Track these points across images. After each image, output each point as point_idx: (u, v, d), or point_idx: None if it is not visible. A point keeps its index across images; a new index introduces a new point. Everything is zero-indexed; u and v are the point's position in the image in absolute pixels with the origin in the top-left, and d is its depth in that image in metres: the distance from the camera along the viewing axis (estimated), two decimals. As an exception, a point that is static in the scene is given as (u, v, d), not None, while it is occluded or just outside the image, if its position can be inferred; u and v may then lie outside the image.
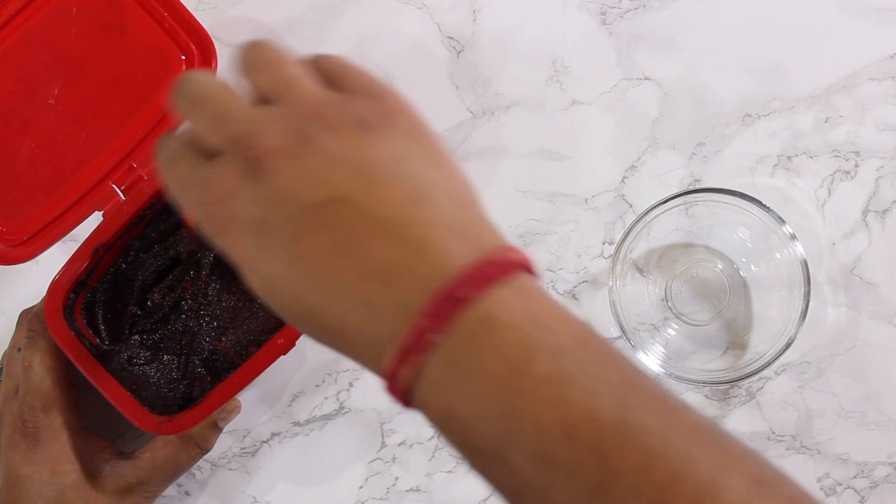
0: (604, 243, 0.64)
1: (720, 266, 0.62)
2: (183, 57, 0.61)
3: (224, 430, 0.66)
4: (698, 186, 0.63)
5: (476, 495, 0.64)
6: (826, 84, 0.63)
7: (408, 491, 0.64)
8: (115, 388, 0.59)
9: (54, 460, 0.53)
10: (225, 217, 0.33)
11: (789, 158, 0.63)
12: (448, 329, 0.31)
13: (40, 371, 0.55)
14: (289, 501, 0.65)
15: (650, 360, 0.59)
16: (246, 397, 0.66)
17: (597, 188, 0.64)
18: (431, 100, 0.65)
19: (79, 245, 0.60)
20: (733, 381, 0.59)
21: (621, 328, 0.59)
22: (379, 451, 0.64)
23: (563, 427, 0.29)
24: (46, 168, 0.61)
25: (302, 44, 0.66)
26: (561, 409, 0.30)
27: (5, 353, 0.58)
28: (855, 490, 0.61)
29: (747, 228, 0.61)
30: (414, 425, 0.64)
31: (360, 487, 0.64)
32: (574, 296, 0.64)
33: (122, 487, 0.56)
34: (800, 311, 0.58)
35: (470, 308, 0.31)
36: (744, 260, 0.62)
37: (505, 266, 0.32)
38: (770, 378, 0.62)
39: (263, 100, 0.35)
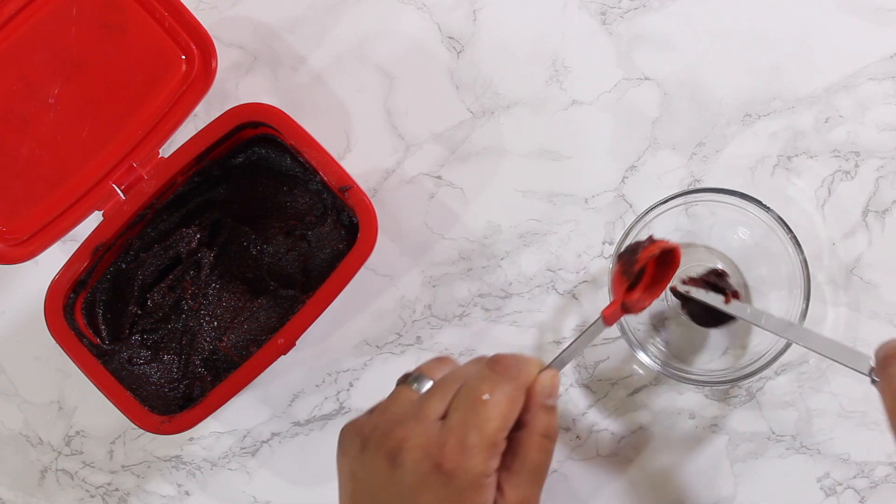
0: (604, 243, 0.64)
1: (720, 266, 0.62)
2: (183, 57, 0.61)
3: (224, 431, 0.66)
4: (698, 186, 0.63)
5: (476, 495, 0.64)
6: (826, 84, 0.63)
7: (408, 491, 0.64)
8: (116, 388, 0.59)
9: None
10: None
11: (789, 158, 0.63)
12: None
13: (494, 412, 0.43)
14: (289, 501, 0.65)
15: (650, 360, 0.59)
16: (246, 397, 0.66)
17: (597, 188, 0.64)
18: (431, 100, 0.65)
19: (79, 245, 0.60)
20: (733, 381, 0.59)
21: (621, 328, 0.59)
22: (379, 451, 0.64)
23: None
24: (46, 168, 0.61)
25: (302, 43, 0.66)
26: None
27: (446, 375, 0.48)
28: (855, 490, 0.61)
29: (747, 228, 0.61)
30: (414, 425, 0.64)
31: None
32: (574, 296, 0.64)
33: None
34: (800, 311, 0.58)
35: None
36: (744, 260, 0.62)
37: None
38: (770, 378, 0.62)
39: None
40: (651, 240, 0.50)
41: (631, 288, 0.51)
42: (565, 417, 0.63)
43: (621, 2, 0.64)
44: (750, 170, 0.63)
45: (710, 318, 0.61)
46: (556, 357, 0.48)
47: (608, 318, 0.50)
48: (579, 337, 0.49)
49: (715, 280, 0.60)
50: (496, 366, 0.45)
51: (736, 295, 0.60)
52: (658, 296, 0.51)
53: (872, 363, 0.49)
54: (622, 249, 0.52)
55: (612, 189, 0.64)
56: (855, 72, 0.62)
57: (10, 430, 0.68)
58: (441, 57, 0.65)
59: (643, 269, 0.51)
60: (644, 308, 0.51)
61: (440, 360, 0.49)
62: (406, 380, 0.47)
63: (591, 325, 0.50)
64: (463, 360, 0.64)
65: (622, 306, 0.51)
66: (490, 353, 0.64)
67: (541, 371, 0.46)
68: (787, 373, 0.62)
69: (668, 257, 0.51)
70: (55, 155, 0.61)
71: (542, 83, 0.65)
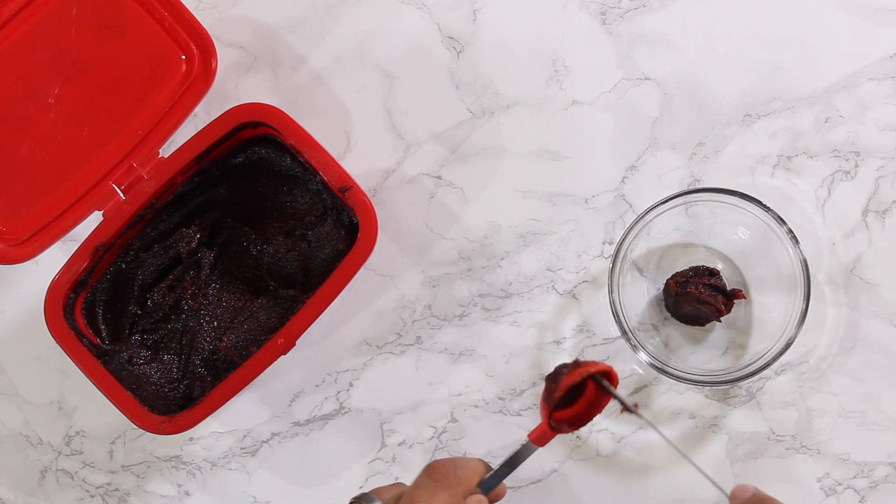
0: (604, 243, 0.64)
1: (720, 266, 0.62)
2: (183, 57, 0.61)
3: (224, 431, 0.66)
4: (698, 186, 0.63)
5: (476, 495, 0.64)
6: (826, 84, 0.63)
7: (408, 491, 0.64)
8: (116, 388, 0.59)
9: None
10: None
11: (789, 158, 0.63)
12: None
13: None
14: (289, 501, 0.65)
15: (650, 359, 0.59)
16: (246, 397, 0.66)
17: (597, 188, 0.64)
18: (431, 100, 0.65)
19: (79, 245, 0.60)
20: (733, 381, 0.59)
21: (621, 328, 0.59)
22: (379, 451, 0.64)
23: None
24: (46, 168, 0.61)
25: (302, 43, 0.66)
26: None
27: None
28: (855, 490, 0.61)
29: (747, 228, 0.61)
30: (414, 425, 0.64)
31: (360, 487, 0.64)
32: (574, 296, 0.64)
33: None
34: (800, 312, 0.58)
35: None
36: (744, 260, 0.62)
37: None
38: (770, 378, 0.62)
39: None
40: (576, 363, 0.47)
41: (567, 405, 0.48)
42: (565, 417, 0.63)
43: (621, 2, 0.64)
44: (750, 170, 0.63)
45: (693, 318, 0.61)
46: (484, 480, 0.47)
47: (536, 440, 0.48)
48: (508, 459, 0.47)
49: (708, 281, 0.60)
50: (433, 473, 0.45)
51: (739, 294, 0.60)
52: (599, 411, 0.48)
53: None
54: (551, 371, 0.49)
55: (612, 189, 0.64)
56: (855, 72, 0.62)
57: (10, 430, 0.68)
58: (441, 57, 0.65)
59: (581, 387, 0.48)
60: (584, 425, 0.48)
61: (394, 486, 0.49)
62: (359, 501, 0.48)
63: (520, 448, 0.48)
64: (462, 362, 0.64)
65: (559, 425, 0.48)
66: (489, 352, 0.64)
67: (469, 496, 0.45)
68: (787, 373, 0.62)
69: (604, 374, 0.47)
70: (55, 155, 0.61)
71: (542, 83, 0.65)
